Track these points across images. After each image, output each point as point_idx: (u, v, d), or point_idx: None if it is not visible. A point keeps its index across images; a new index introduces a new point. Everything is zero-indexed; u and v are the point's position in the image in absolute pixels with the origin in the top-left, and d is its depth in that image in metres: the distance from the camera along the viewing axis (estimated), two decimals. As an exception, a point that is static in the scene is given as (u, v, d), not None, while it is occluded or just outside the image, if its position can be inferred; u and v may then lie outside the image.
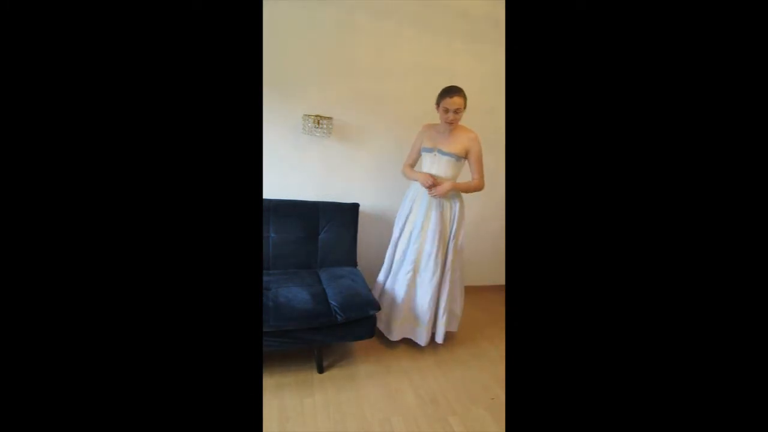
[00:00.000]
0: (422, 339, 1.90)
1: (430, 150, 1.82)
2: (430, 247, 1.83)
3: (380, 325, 1.93)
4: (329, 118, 2.09)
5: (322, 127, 2.07)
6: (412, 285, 1.87)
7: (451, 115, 1.70)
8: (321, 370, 1.70)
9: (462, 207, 1.88)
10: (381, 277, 2.00)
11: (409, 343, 1.97)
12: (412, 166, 1.95)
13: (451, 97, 1.67)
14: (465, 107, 1.71)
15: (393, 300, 1.90)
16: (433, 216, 1.82)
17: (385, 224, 2.44)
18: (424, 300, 1.86)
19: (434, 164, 1.81)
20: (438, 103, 1.74)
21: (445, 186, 1.75)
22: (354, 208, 2.14)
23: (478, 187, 1.81)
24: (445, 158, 1.77)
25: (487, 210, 2.64)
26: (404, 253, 1.88)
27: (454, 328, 2.03)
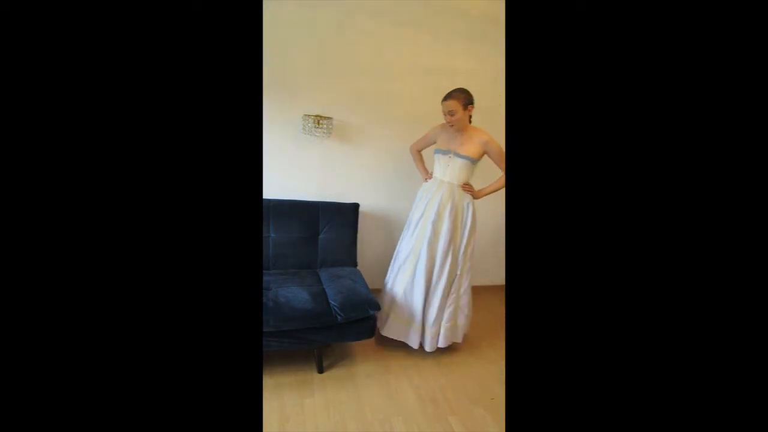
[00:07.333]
0: (414, 342, 1.87)
1: (445, 152, 1.82)
2: (441, 254, 1.82)
3: (378, 322, 1.91)
4: (329, 118, 2.09)
5: (322, 127, 2.07)
6: (410, 286, 1.86)
7: (447, 117, 1.73)
8: (321, 370, 1.70)
9: (475, 214, 1.88)
10: (388, 277, 1.99)
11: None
12: (420, 150, 2.04)
13: (444, 100, 1.72)
14: (466, 107, 1.71)
15: (392, 298, 1.90)
16: (446, 221, 1.81)
17: (385, 224, 2.44)
18: (420, 304, 1.84)
19: (449, 167, 1.82)
20: None
21: (487, 190, 1.87)
22: (354, 208, 2.14)
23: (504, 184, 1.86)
24: (460, 161, 1.78)
25: (487, 210, 2.63)
26: (410, 254, 1.86)
27: (457, 339, 1.96)
